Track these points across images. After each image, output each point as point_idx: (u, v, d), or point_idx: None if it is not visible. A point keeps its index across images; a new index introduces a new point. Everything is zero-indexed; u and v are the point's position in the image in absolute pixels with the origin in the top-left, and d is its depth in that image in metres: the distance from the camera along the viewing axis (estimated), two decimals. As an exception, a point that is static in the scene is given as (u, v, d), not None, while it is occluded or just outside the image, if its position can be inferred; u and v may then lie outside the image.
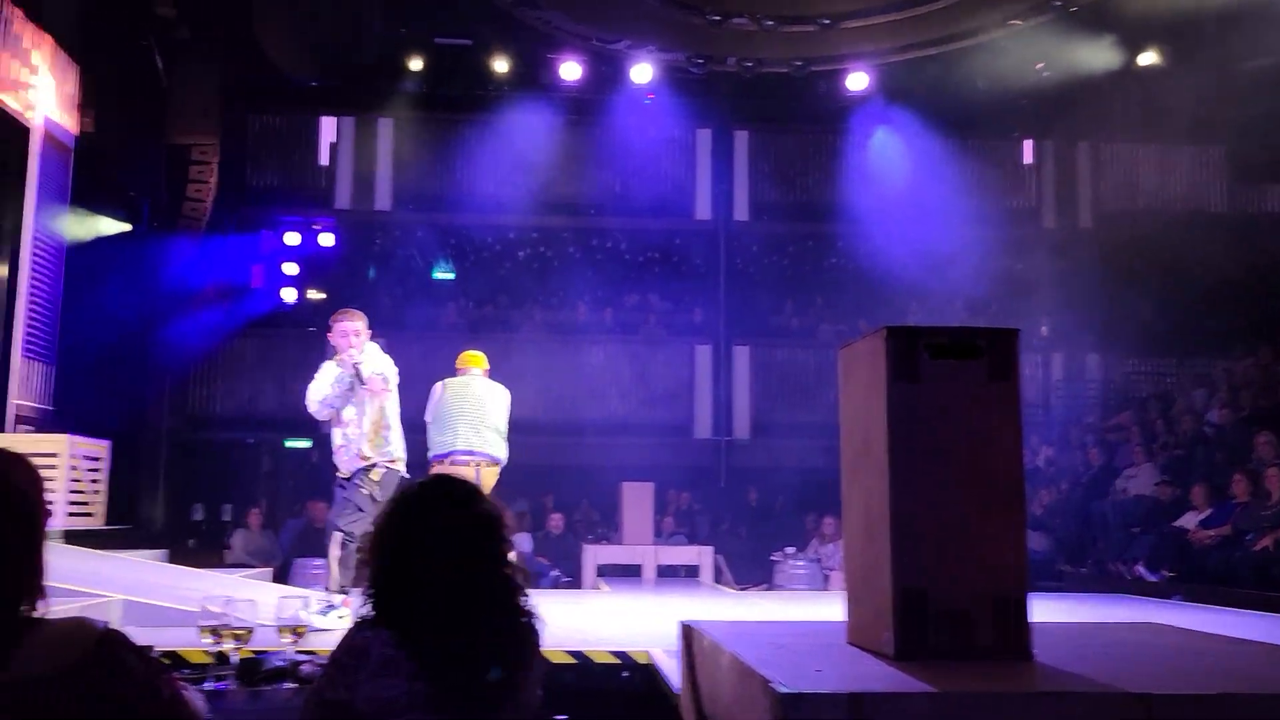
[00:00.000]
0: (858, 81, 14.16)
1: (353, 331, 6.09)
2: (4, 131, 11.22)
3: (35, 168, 11.36)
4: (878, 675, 2.50)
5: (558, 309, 15.33)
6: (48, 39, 11.75)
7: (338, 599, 5.55)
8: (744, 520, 13.46)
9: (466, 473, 6.96)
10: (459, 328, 15.13)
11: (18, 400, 10.70)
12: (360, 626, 2.05)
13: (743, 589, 10.68)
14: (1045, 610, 3.13)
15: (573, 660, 4.80)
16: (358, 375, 6.03)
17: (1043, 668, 2.59)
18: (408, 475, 6.52)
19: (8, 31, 11.06)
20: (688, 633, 3.42)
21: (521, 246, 16.10)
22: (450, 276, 16.35)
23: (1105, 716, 2.21)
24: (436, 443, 7.40)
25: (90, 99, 12.73)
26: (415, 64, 14.50)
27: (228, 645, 2.89)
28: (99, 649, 1.56)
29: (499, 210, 15.24)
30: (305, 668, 3.00)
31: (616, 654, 4.88)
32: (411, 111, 15.17)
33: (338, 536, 5.89)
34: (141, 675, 1.61)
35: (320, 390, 6.18)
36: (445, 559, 2.04)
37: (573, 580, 10.91)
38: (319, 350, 14.75)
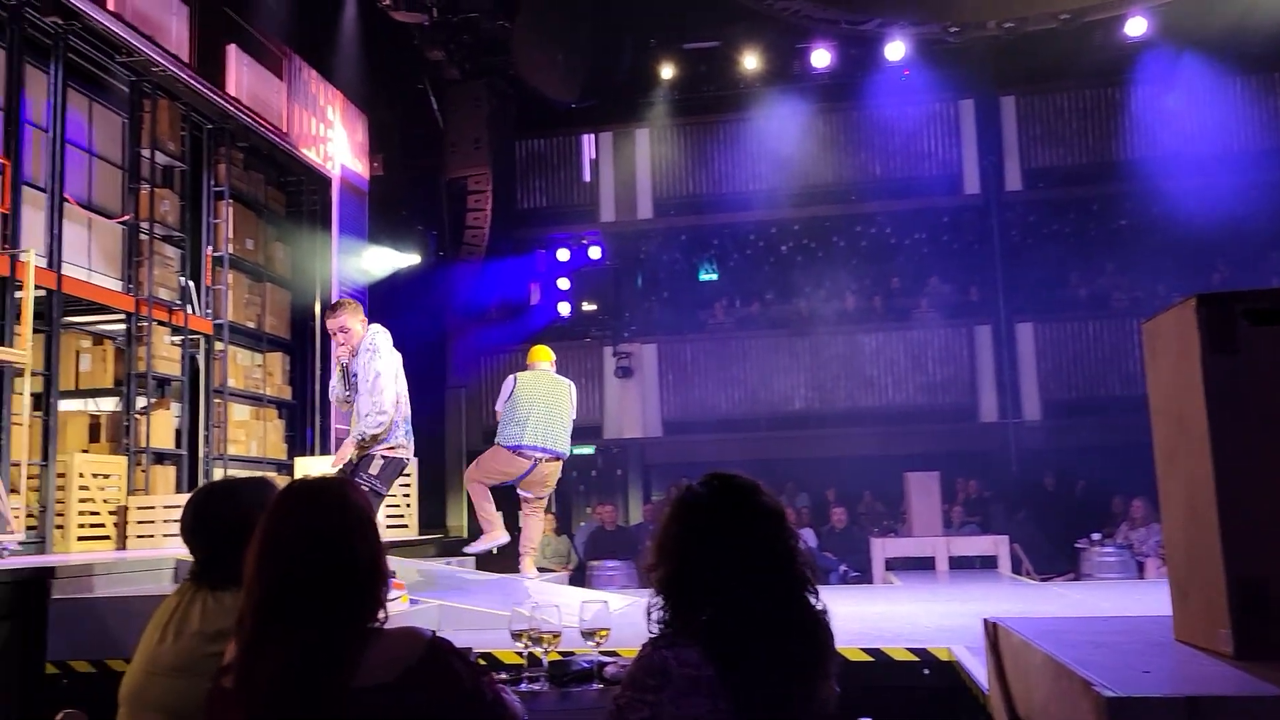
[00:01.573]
0: (1136, 27, 13.05)
1: (338, 329, 6.15)
2: (309, 182, 12.50)
3: (336, 213, 12.56)
4: (1215, 677, 2.26)
5: (825, 300, 15.11)
6: (338, 94, 12.96)
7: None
8: (1041, 506, 12.68)
9: (526, 466, 7.26)
10: (727, 327, 15.27)
11: (338, 425, 11.85)
12: (656, 644, 2.00)
13: (1045, 579, 10.07)
14: None
15: (869, 658, 4.69)
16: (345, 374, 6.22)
17: None
18: (412, 459, 6.59)
19: (305, 92, 12.29)
20: (993, 630, 3.25)
21: (784, 240, 16.00)
22: (714, 277, 16.52)
23: None
24: (506, 434, 7.47)
25: (378, 144, 13.93)
26: (666, 72, 14.81)
27: (538, 648, 3.04)
28: (428, 656, 1.68)
29: (759, 206, 15.24)
30: (610, 669, 3.10)
31: (915, 651, 4.71)
32: (666, 119, 15.48)
33: None
34: (467, 680, 1.71)
35: (333, 391, 6.38)
36: (735, 562, 1.97)
37: (861, 575, 10.70)
38: (595, 359, 15.38)
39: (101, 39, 9.04)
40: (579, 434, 14.97)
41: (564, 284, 15.73)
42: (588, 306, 15.94)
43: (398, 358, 6.28)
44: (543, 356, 7.90)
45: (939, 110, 15.09)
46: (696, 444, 14.53)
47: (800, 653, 1.98)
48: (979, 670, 4.02)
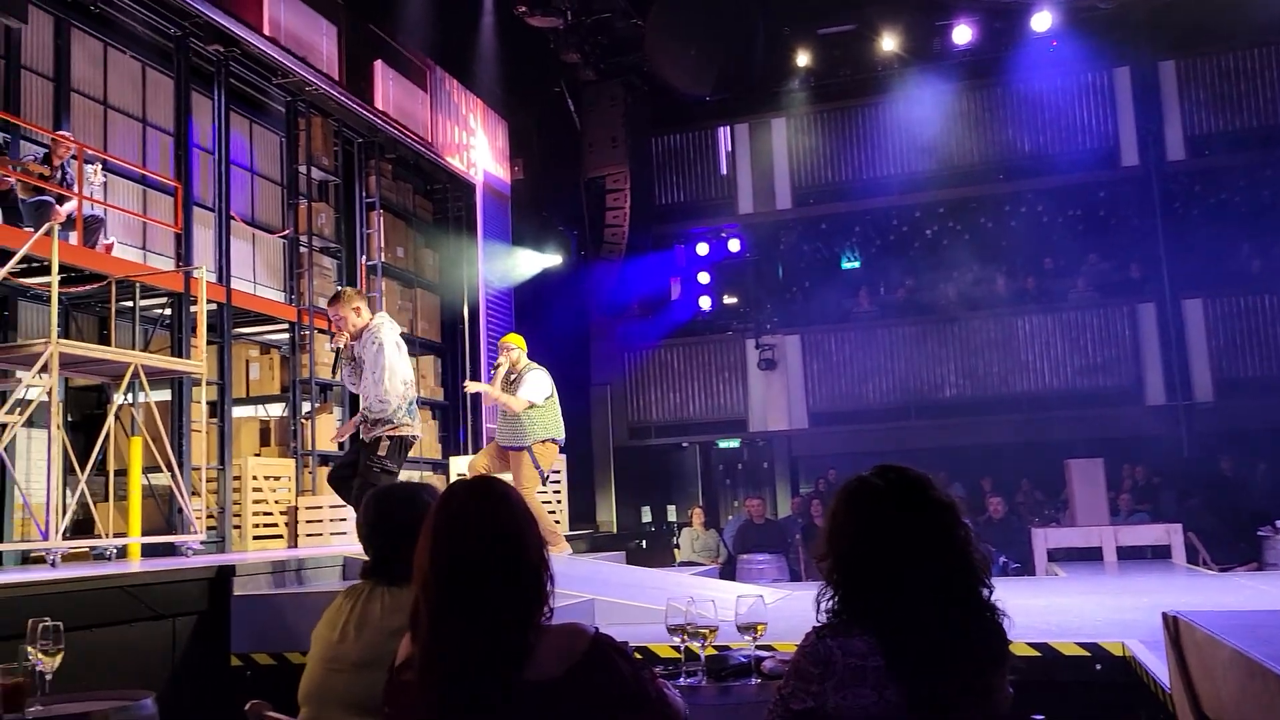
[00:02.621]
0: (1307, -23, 12.16)
1: (336, 317, 6.39)
2: (454, 189, 12.87)
3: (481, 218, 12.89)
4: None
5: (974, 284, 14.63)
6: (479, 102, 13.29)
7: None
8: (1217, 492, 11.96)
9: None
10: (871, 315, 14.97)
11: (489, 424, 12.15)
12: (821, 633, 1.99)
13: (1224, 569, 9.50)
14: None
15: (1036, 653, 4.52)
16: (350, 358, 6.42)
17: None
18: (418, 436, 6.63)
19: (448, 102, 12.65)
20: (1174, 624, 3.07)
21: (928, 224, 15.57)
22: (857, 265, 16.22)
23: None
24: (551, 426, 7.69)
25: (518, 149, 14.22)
26: (801, 59, 14.61)
27: (695, 643, 3.04)
28: (592, 651, 1.69)
29: (901, 190, 14.88)
30: (768, 664, 3.07)
31: (1085, 645, 4.51)
32: (803, 107, 15.28)
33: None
34: (630, 676, 1.72)
35: (344, 377, 6.52)
36: (908, 553, 1.95)
37: (1022, 566, 10.32)
38: (738, 353, 15.32)
39: (259, 63, 9.51)
40: (724, 427, 15.11)
41: (704, 278, 15.72)
42: (729, 300, 15.90)
43: (402, 346, 6.53)
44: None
45: (1091, 80, 14.39)
46: (843, 435, 14.30)
47: (977, 648, 1.92)
48: (1157, 666, 3.82)
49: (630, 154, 14.79)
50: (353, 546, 7.65)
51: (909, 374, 14.35)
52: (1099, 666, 4.43)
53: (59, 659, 2.75)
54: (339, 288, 7.15)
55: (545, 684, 1.63)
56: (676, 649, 3.23)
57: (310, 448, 9.59)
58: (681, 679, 3.04)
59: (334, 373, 6.62)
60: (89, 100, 9.18)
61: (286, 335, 9.94)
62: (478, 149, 13.10)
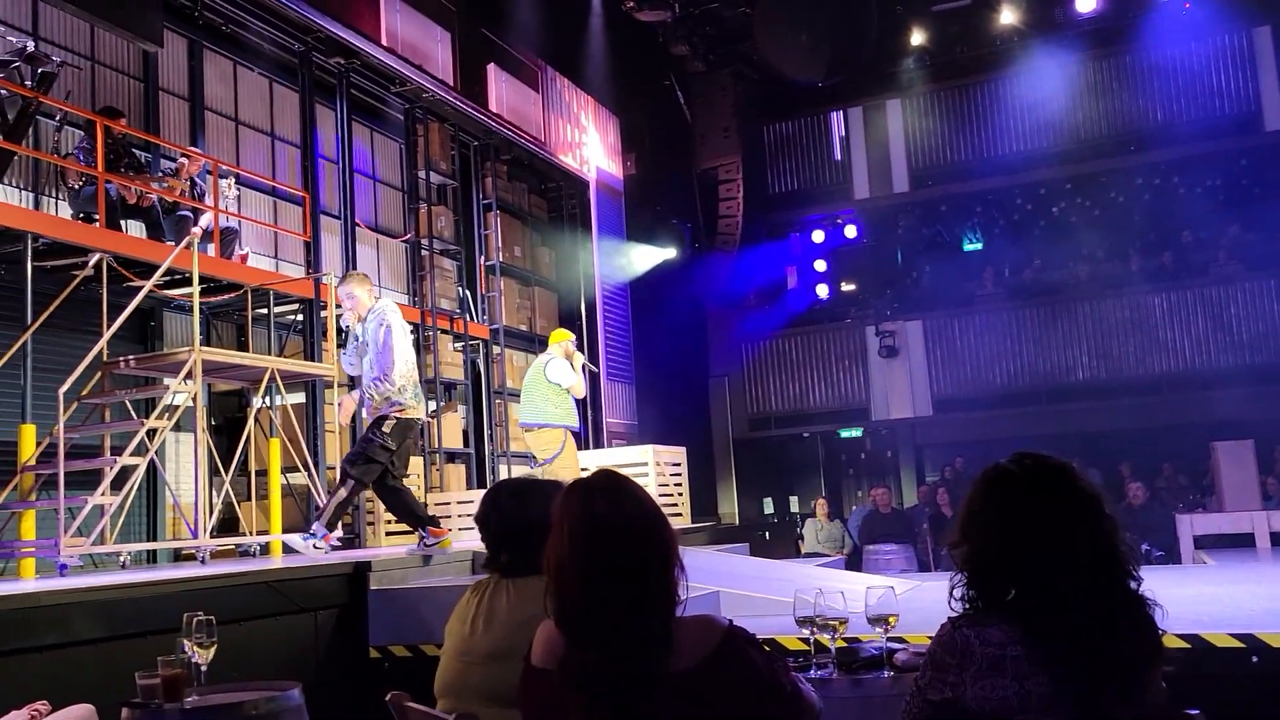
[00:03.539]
0: None
1: (345, 296, 6.35)
2: (568, 187, 13.02)
3: (595, 214, 13.00)
4: None
5: (1104, 261, 14.06)
6: (590, 100, 13.40)
7: (320, 531, 6.04)
8: (1381, 475, 11.20)
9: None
10: (997, 297, 14.52)
11: (609, 419, 12.26)
12: (957, 623, 1.95)
13: (1390, 556, 8.89)
14: None
15: (1186, 644, 4.31)
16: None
17: None
18: (426, 420, 6.65)
19: (560, 100, 12.79)
20: (1340, 614, 2.89)
21: (1054, 201, 15.02)
22: (979, 246, 15.77)
23: None
24: (571, 415, 7.96)
25: (630, 144, 14.29)
26: (916, 38, 14.26)
27: (825, 635, 2.99)
28: (726, 643, 1.68)
29: (1024, 168, 14.41)
30: (900, 656, 3.01)
31: (1240, 636, 4.28)
32: (918, 88, 14.93)
33: (349, 481, 6.13)
34: (765, 669, 1.70)
35: (344, 357, 6.50)
36: (1048, 541, 1.89)
37: (1166, 554, 9.87)
38: (858, 341, 15.08)
39: (378, 73, 9.78)
40: (846, 417, 14.88)
41: (821, 266, 15.52)
42: (846, 287, 15.66)
43: (408, 330, 6.54)
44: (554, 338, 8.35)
45: (1228, 43, 13.65)
46: (970, 421, 13.93)
47: (1126, 641, 1.85)
48: (1323, 658, 3.59)
49: (742, 144, 14.70)
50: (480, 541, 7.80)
51: (1037, 357, 13.88)
52: (1255, 659, 4.20)
53: (212, 651, 2.89)
54: (350, 271, 7.29)
55: (682, 675, 1.63)
56: (805, 641, 3.18)
57: (436, 445, 9.83)
58: (812, 671, 3.00)
59: (341, 348, 6.70)
60: (221, 117, 9.59)
61: (411, 336, 10.19)
62: (590, 146, 13.21)
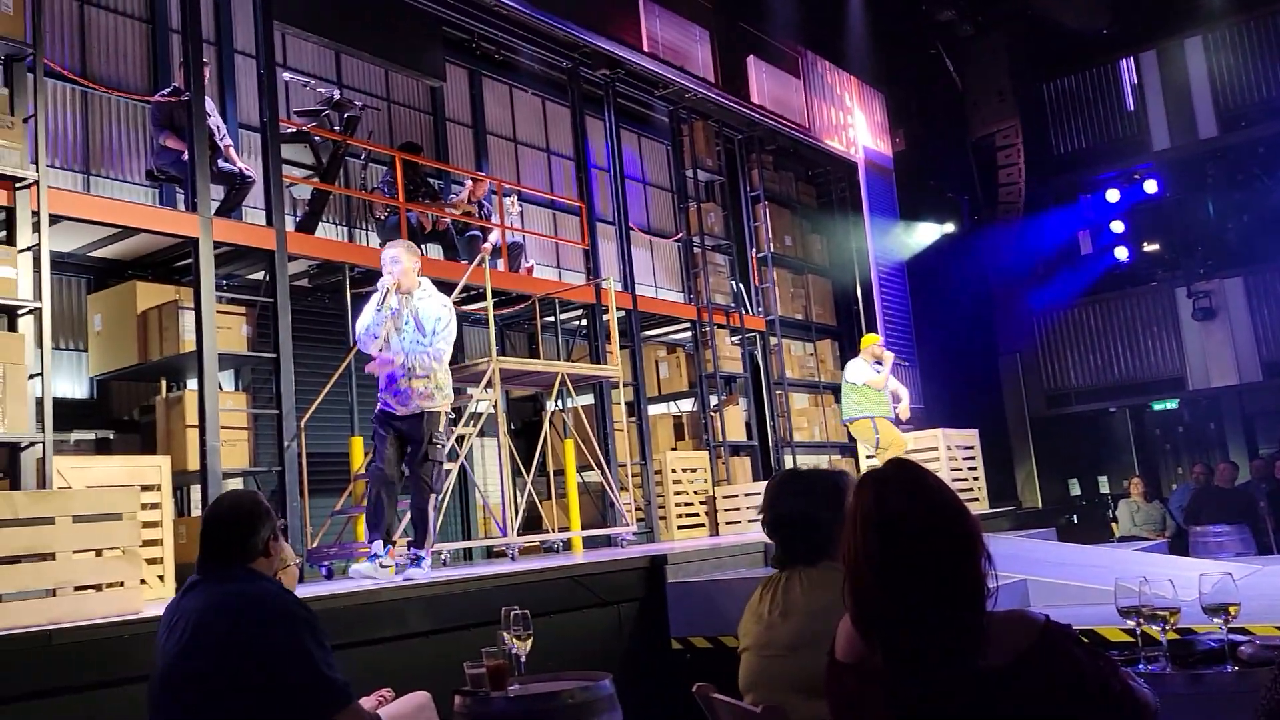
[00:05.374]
0: None
1: (390, 260, 5.36)
2: (835, 171, 12.79)
3: (865, 195, 12.71)
4: None
5: None
6: (852, 79, 13.10)
7: (427, 556, 5.24)
8: None
9: None
10: (1332, 244, 12.85)
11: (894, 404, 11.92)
12: None
13: None
14: None
15: None
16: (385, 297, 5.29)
17: None
18: (451, 414, 5.87)
19: (821, 84, 12.60)
20: None
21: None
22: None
23: None
24: (875, 406, 8.43)
25: (897, 119, 13.85)
26: (1213, -34, 12.91)
27: (1154, 626, 2.75)
28: (1043, 640, 1.57)
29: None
30: (1245, 649, 2.71)
31: None
32: (1221, 21, 13.47)
33: (432, 496, 5.33)
34: (1089, 667, 1.58)
35: (363, 320, 5.41)
36: None
37: None
38: (1167, 304, 13.83)
39: (641, 79, 10.04)
40: (1158, 387, 13.68)
41: (1118, 227, 14.35)
42: (1149, 247, 14.39)
43: None
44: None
45: None
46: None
47: None
48: None
49: (1019, 105, 13.85)
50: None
51: (1391, 308, 12.17)
52: None
53: (529, 643, 3.06)
54: (397, 238, 6.48)
55: (994, 673, 1.54)
56: (1130, 633, 2.94)
57: (721, 439, 9.95)
58: (1141, 665, 2.76)
59: (379, 309, 5.30)
60: (501, 139, 10.20)
61: (689, 334, 10.40)
62: (856, 127, 12.92)
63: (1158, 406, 14.35)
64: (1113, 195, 14.34)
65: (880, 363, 8.66)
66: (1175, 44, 13.90)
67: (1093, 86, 14.73)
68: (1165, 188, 14.09)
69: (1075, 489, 14.63)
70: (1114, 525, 11.81)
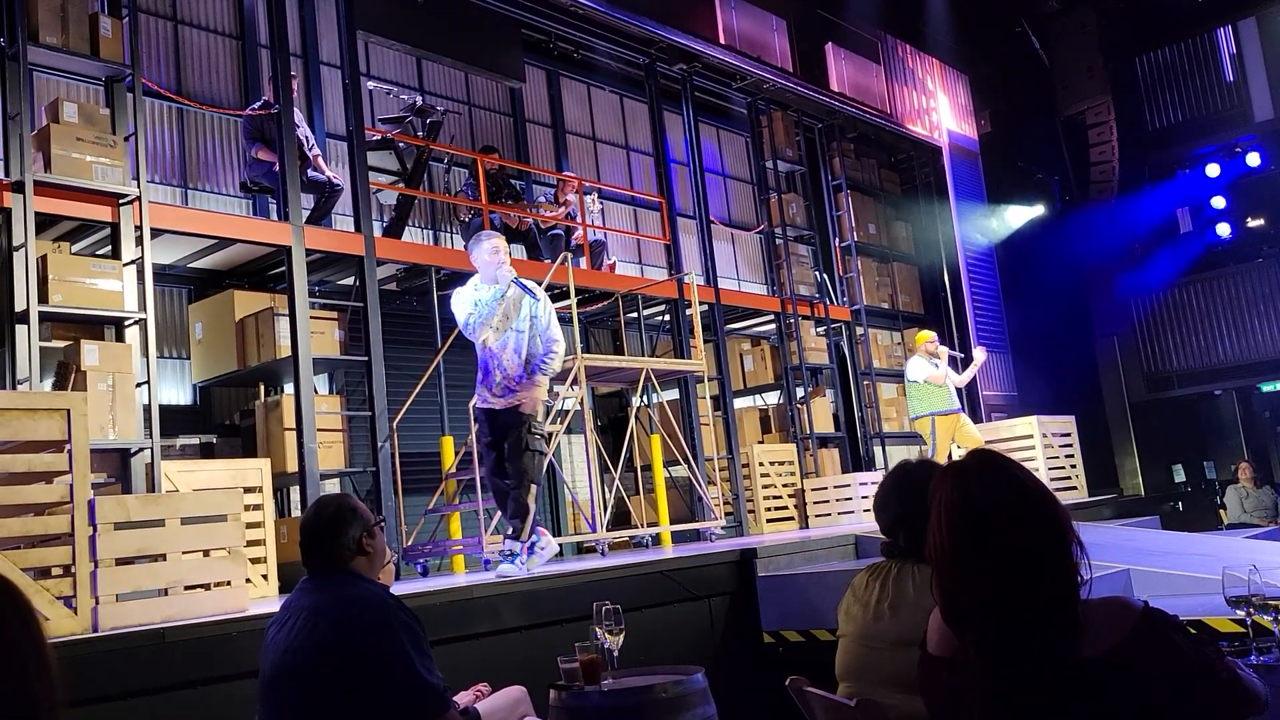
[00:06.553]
0: None
1: (491, 251, 5.23)
2: (919, 157, 12.57)
3: (950, 180, 12.45)
4: None
5: None
6: (934, 62, 12.85)
7: (525, 553, 5.10)
8: None
9: None
10: None
11: (986, 392, 11.69)
12: None
13: None
14: None
15: None
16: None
17: None
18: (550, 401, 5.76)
19: (902, 69, 12.38)
20: None
21: None
22: None
23: None
24: (937, 402, 8.43)
25: (982, 101, 13.55)
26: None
27: (1265, 616, 2.65)
28: (1143, 628, 1.53)
29: None
30: (1365, 640, 2.60)
31: None
32: (1324, -19, 12.88)
33: (532, 487, 5.15)
34: (1193, 656, 1.53)
35: (478, 319, 5.22)
36: None
37: None
38: (1272, 281, 13.27)
39: (719, 72, 10.00)
40: (1267, 368, 13.15)
41: (1219, 203, 13.82)
42: (1253, 222, 13.82)
43: None
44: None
45: None
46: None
47: None
48: None
49: (1111, 81, 13.44)
50: (862, 525, 7.74)
51: None
52: None
53: (621, 637, 3.08)
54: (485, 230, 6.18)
55: (1091, 663, 1.50)
56: (1240, 623, 2.84)
57: (808, 431, 9.87)
58: (1252, 657, 2.67)
59: (466, 311, 5.18)
60: (580, 138, 10.27)
61: (773, 325, 10.34)
62: (939, 110, 12.68)
63: (1266, 388, 13.79)
64: (1213, 170, 13.81)
65: (937, 358, 8.61)
66: (1276, 9, 13.32)
67: (1188, 58, 14.21)
68: (1269, 160, 13.52)
69: (1179, 475, 14.14)
70: (1222, 512, 11.39)
